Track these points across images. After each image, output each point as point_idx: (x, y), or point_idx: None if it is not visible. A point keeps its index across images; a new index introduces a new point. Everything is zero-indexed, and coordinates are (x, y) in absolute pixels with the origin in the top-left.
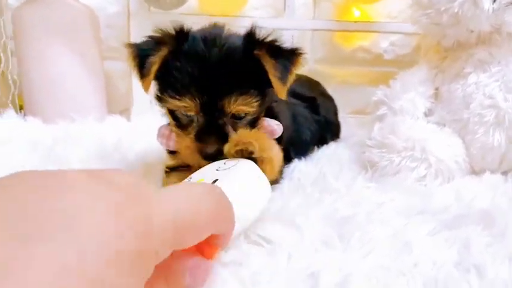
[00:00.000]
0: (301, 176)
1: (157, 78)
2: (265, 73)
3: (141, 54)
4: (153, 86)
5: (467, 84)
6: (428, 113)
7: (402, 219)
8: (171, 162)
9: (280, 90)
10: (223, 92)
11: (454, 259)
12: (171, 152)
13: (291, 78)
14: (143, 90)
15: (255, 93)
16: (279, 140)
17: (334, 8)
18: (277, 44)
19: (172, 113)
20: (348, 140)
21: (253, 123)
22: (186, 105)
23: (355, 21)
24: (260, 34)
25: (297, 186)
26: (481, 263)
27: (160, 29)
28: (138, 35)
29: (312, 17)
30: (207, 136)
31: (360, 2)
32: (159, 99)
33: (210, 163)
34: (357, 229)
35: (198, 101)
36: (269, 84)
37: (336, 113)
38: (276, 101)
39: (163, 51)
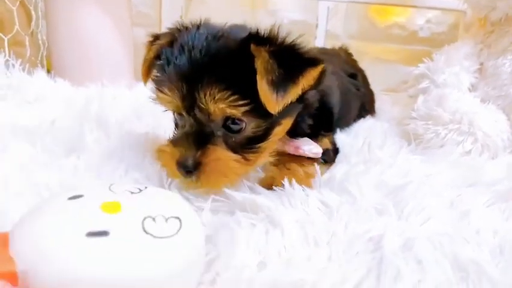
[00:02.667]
0: (344, 147)
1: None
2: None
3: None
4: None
5: None
6: (471, 89)
7: (454, 190)
8: None
9: (269, 101)
10: (202, 85)
11: None
12: None
13: (294, 91)
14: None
15: (241, 94)
16: (328, 126)
17: None
18: (292, 47)
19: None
20: (384, 115)
21: (258, 141)
22: (167, 98)
23: None
24: (275, 34)
25: (341, 156)
26: None
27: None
28: (170, 3)
29: None
30: (184, 142)
31: None
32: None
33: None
34: (409, 198)
35: (178, 93)
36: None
37: (368, 84)
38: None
39: (159, 44)
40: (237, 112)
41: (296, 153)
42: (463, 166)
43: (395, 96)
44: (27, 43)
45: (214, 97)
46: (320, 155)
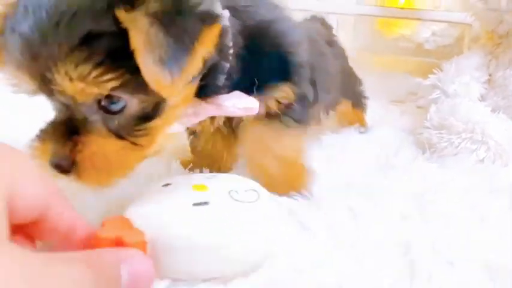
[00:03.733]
0: (359, 154)
1: None
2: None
3: None
4: None
5: None
6: (481, 99)
7: (472, 196)
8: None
9: (161, 85)
10: (52, 58)
11: None
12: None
13: (192, 65)
14: None
15: (109, 63)
16: (284, 71)
17: None
18: (176, 1)
19: None
20: (395, 125)
21: (149, 119)
22: (14, 78)
23: (400, 8)
24: None
25: (358, 161)
26: None
27: None
28: None
29: (356, 1)
30: (52, 134)
31: None
32: None
33: None
34: (429, 204)
35: (26, 72)
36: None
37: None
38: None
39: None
40: (102, 91)
41: (221, 114)
42: (478, 173)
43: (403, 106)
44: None
45: (70, 74)
46: (256, 110)
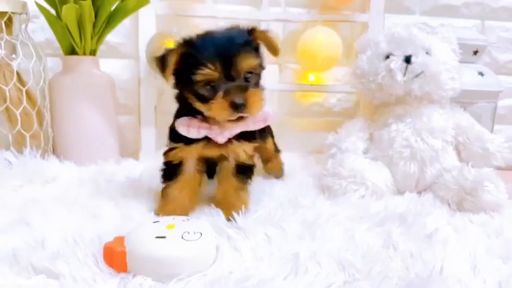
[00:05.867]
0: (278, 196)
1: (178, 73)
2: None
3: (162, 59)
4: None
5: (391, 131)
6: (365, 151)
7: (349, 222)
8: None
9: (279, 54)
10: (236, 56)
11: (381, 243)
12: (188, 142)
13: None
14: (165, 80)
15: (257, 55)
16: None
17: (295, 73)
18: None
19: (197, 93)
20: (309, 172)
21: (257, 85)
22: (210, 71)
23: (311, 84)
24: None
25: (276, 202)
26: (396, 243)
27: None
28: (146, 96)
29: (278, 80)
30: (234, 90)
31: (314, 70)
32: (185, 84)
33: (233, 123)
34: (319, 229)
35: (218, 64)
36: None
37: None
38: None
39: (179, 50)
40: (257, 64)
41: (264, 118)
42: (357, 206)
43: (317, 156)
44: (42, 137)
45: (246, 57)
46: (275, 118)
